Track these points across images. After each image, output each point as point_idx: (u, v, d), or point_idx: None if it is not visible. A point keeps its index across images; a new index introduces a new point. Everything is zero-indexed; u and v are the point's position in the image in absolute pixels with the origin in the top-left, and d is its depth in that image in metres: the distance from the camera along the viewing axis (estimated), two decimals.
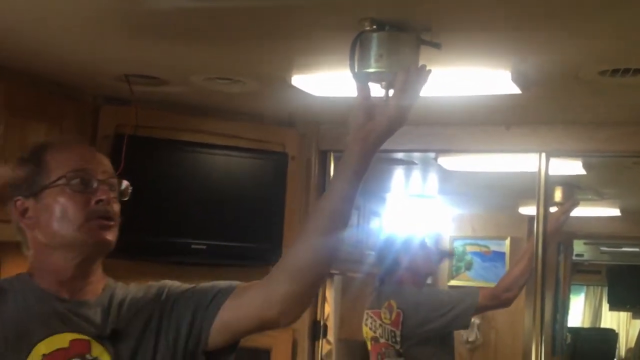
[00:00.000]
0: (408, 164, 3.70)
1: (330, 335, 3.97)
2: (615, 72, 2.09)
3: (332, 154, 3.20)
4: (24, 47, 2.15)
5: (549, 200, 3.09)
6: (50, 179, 1.53)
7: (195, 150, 2.91)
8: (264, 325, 1.57)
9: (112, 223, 1.53)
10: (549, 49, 1.95)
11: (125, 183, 1.58)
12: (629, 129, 2.80)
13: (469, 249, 5.01)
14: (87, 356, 1.49)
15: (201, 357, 1.55)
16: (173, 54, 2.19)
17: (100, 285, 1.59)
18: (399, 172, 3.92)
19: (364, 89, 1.58)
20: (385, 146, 1.52)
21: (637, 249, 5.61)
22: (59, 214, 1.52)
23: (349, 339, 4.38)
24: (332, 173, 3.20)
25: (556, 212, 3.39)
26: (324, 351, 3.45)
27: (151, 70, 2.39)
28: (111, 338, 1.51)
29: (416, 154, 3.44)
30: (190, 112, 2.86)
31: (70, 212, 1.51)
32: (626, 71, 2.08)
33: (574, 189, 3.58)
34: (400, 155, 3.40)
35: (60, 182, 1.52)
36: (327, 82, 2.32)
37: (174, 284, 1.62)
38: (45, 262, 1.56)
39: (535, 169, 2.99)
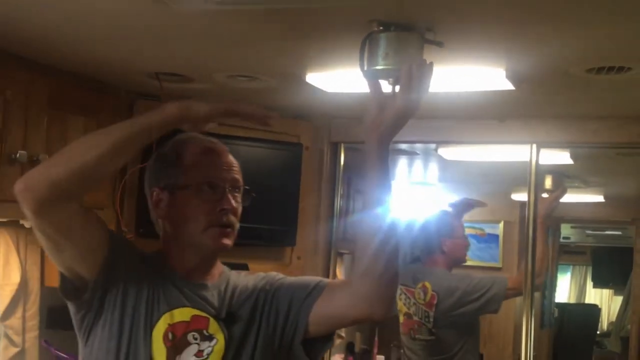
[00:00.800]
0: (411, 154, 3.69)
1: None
2: (601, 69, 2.08)
3: (342, 145, 3.20)
4: (66, 47, 2.15)
5: (539, 188, 3.07)
6: (183, 181, 1.56)
7: (219, 140, 2.90)
8: (360, 321, 1.56)
9: (229, 230, 1.57)
10: (541, 49, 1.94)
11: (248, 191, 1.62)
12: (613, 123, 2.78)
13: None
14: (205, 332, 1.52)
15: (298, 347, 1.55)
16: (198, 54, 2.19)
17: (217, 272, 1.62)
18: (402, 162, 3.90)
19: (375, 85, 1.58)
20: None
21: (619, 232, 5.57)
22: (187, 215, 1.55)
23: None
24: (342, 162, 3.19)
25: (547, 198, 3.36)
26: None
27: (179, 68, 2.39)
28: (226, 320, 1.54)
29: (418, 145, 3.42)
30: None
31: (196, 216, 1.55)
32: (611, 69, 2.06)
33: (563, 177, 3.56)
34: (403, 146, 3.39)
35: (192, 187, 1.55)
36: (338, 79, 2.31)
37: (277, 275, 1.64)
38: (171, 249, 1.59)
39: (527, 159, 2.97)
